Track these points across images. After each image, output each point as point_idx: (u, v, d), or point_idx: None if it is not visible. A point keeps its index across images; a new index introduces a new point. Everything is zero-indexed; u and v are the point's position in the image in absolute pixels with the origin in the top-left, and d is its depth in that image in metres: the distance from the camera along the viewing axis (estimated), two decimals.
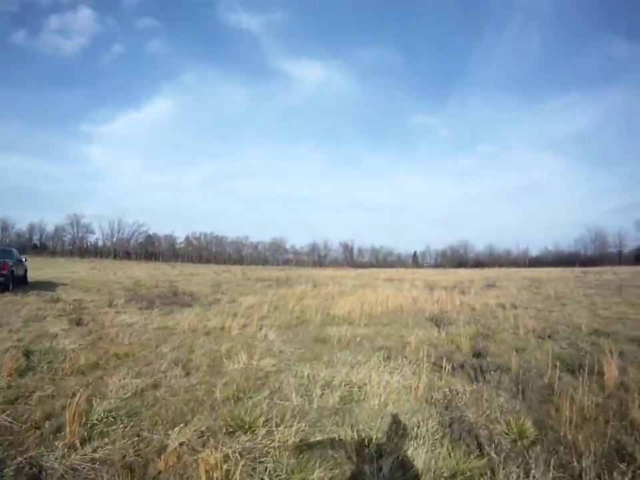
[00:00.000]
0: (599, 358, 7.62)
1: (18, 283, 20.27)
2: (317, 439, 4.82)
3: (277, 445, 4.54)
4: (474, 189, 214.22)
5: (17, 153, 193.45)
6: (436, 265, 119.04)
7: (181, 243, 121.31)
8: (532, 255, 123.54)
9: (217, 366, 7.57)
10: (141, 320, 11.50)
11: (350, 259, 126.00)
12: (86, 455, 4.16)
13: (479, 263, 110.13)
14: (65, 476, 3.86)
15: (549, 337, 10.46)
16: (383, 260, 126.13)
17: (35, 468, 3.93)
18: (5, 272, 17.98)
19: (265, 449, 4.49)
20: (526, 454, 4.43)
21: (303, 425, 5.02)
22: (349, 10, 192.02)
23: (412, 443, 4.69)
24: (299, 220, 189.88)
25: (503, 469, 4.12)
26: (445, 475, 4.14)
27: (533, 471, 3.99)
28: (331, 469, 4.18)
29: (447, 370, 7.26)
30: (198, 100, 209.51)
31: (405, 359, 8.10)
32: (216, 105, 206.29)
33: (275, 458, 4.34)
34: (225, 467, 3.95)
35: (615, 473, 3.95)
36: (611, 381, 6.58)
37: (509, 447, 4.67)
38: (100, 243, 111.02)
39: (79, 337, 9.32)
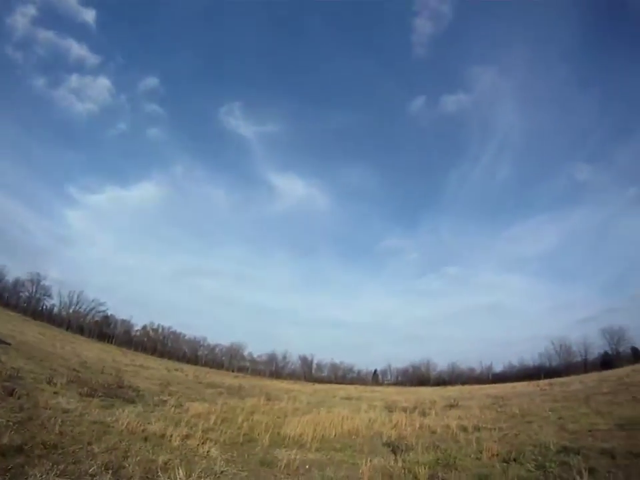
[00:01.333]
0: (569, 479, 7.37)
1: None
2: None
3: None
4: (438, 309, 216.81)
5: None
6: (396, 383, 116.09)
7: (137, 330, 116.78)
8: (495, 370, 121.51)
9: (150, 479, 6.64)
10: (78, 408, 10.31)
11: (308, 373, 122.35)
12: None
13: (441, 381, 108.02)
14: None
15: (515, 460, 9.77)
16: (342, 376, 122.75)
17: None
18: None
19: None
20: None
21: None
22: (336, 132, 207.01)
23: None
24: (261, 328, 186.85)
25: None
26: None
27: None
28: None
29: None
30: (182, 193, 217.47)
31: None
32: (199, 201, 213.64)
33: None
34: None
35: None
36: None
37: None
38: (55, 310, 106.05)
39: (8, 411, 8.33)
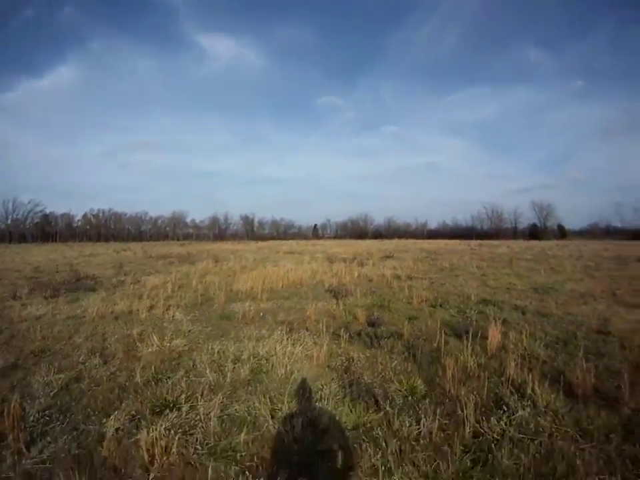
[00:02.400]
0: (484, 324, 8.72)
1: None
2: (235, 408, 5.36)
3: (201, 418, 5.03)
4: (377, 167, 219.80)
5: None
6: (336, 237, 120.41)
7: (78, 221, 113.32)
8: (430, 227, 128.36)
9: (132, 350, 7.73)
10: (48, 311, 11.03)
11: (251, 232, 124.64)
12: (35, 458, 4.34)
13: (378, 235, 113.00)
14: None
15: (441, 305, 11.42)
16: (283, 232, 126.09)
17: None
18: None
19: (192, 422, 4.98)
20: (417, 407, 5.28)
21: (221, 397, 5.53)
22: None
23: (317, 403, 5.39)
24: (201, 194, 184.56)
25: (398, 419, 4.93)
26: (348, 427, 4.88)
27: (423, 419, 4.83)
28: (252, 432, 4.76)
29: (345, 339, 8.03)
30: (105, 70, 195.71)
31: (306, 331, 8.76)
32: (123, 75, 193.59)
33: (202, 429, 4.84)
34: (162, 443, 4.40)
35: (492, 418, 4.88)
36: (493, 344, 7.52)
37: (401, 401, 5.52)
38: None
39: None
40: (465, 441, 4.51)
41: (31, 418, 5.13)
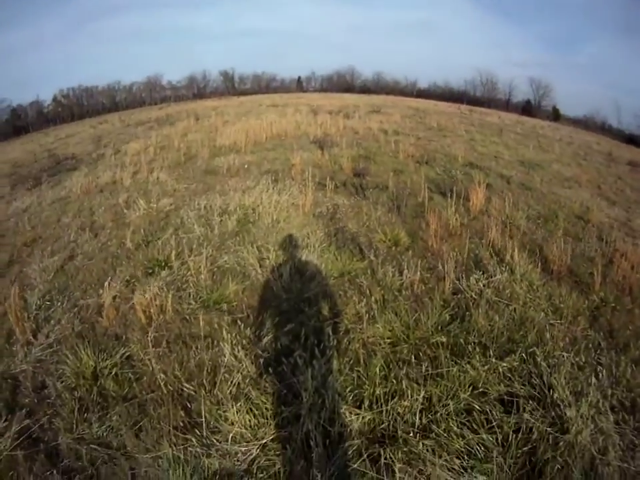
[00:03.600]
0: (469, 186, 8.24)
1: None
2: (224, 259, 5.30)
3: (192, 273, 5.00)
4: (367, 19, 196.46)
5: None
6: (321, 90, 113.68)
7: (49, 106, 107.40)
8: (420, 87, 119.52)
9: (120, 218, 7.64)
10: (33, 200, 10.69)
11: (231, 88, 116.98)
12: (43, 344, 4.38)
13: (365, 90, 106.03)
14: (36, 371, 4.09)
15: (426, 163, 10.94)
16: (265, 87, 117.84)
17: (9, 380, 4.08)
18: None
19: (184, 278, 4.98)
20: (400, 258, 5.18)
21: (210, 250, 5.47)
22: None
23: (304, 251, 5.32)
24: (176, 53, 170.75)
25: (381, 268, 4.85)
26: (333, 275, 4.86)
27: (405, 271, 4.73)
28: (242, 282, 4.73)
29: (330, 188, 7.76)
30: None
31: (292, 180, 8.52)
32: None
33: (194, 283, 4.82)
34: (156, 302, 4.38)
35: (471, 278, 4.78)
36: (476, 206, 7.32)
37: (385, 252, 5.45)
38: None
39: None
40: (444, 296, 4.54)
41: (34, 307, 5.13)
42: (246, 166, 10.22)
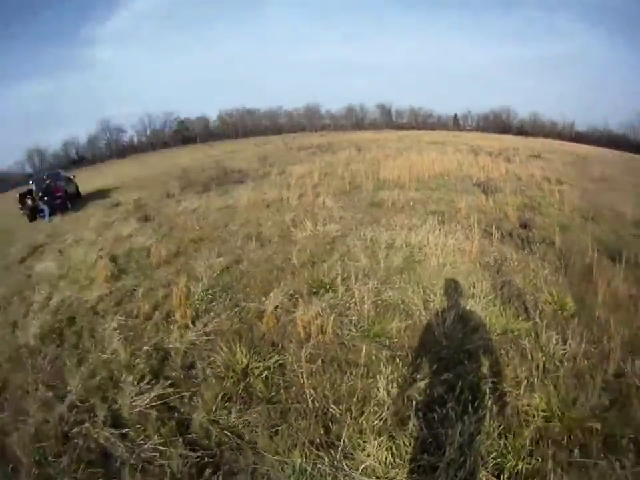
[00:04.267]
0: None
1: (73, 200, 20.69)
2: (389, 294, 5.43)
3: (356, 301, 5.18)
4: (514, 52, 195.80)
5: (27, 80, 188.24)
6: (477, 129, 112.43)
7: (214, 122, 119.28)
8: (578, 129, 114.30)
9: (287, 235, 8.25)
10: (202, 204, 12.06)
11: (389, 121, 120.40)
12: (199, 331, 4.97)
13: (522, 131, 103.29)
14: (187, 351, 4.67)
15: (592, 219, 10.16)
16: (422, 122, 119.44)
17: (161, 351, 4.76)
18: (60, 194, 18.54)
19: (347, 305, 5.18)
20: (565, 324, 4.88)
21: (375, 282, 5.61)
22: None
23: (469, 300, 5.25)
24: (332, 84, 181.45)
25: (545, 333, 4.62)
26: (497, 331, 4.71)
27: (569, 340, 4.46)
28: (405, 320, 4.81)
29: (496, 237, 7.60)
30: None
31: (457, 224, 8.46)
32: None
33: (357, 312, 5.00)
34: (317, 322, 4.63)
35: (637, 362, 4.30)
36: None
37: (551, 315, 5.14)
38: (135, 139, 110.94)
39: (153, 232, 9.97)
40: (606, 377, 4.07)
41: (196, 297, 5.81)
42: (411, 203, 10.38)
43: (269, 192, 12.34)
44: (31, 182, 20.08)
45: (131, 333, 5.28)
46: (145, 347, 4.83)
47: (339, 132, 77.55)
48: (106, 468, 3.35)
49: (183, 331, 5.00)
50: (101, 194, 22.12)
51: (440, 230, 7.85)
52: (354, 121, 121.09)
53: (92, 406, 4.02)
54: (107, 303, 6.47)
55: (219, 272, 6.64)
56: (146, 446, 3.43)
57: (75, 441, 3.65)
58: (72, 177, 23.34)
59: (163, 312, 5.65)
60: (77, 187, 23.08)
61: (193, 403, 3.84)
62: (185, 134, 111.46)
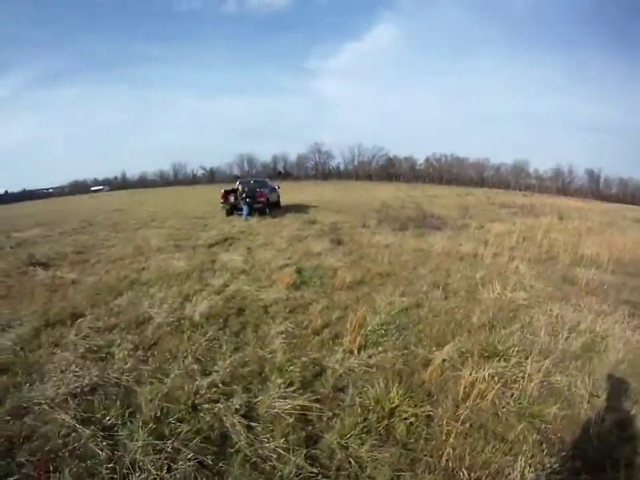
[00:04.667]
0: None
1: (272, 207, 22.80)
2: (557, 378, 5.03)
3: (525, 375, 4.88)
4: None
5: (249, 96, 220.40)
6: None
7: (420, 164, 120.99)
8: None
9: (472, 292, 8.05)
10: (395, 241, 12.37)
11: (595, 189, 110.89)
12: (362, 360, 5.11)
13: None
14: (343, 375, 4.84)
15: None
16: (631, 195, 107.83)
17: (317, 367, 5.01)
18: (262, 199, 20.62)
19: (514, 377, 4.90)
20: None
21: (548, 362, 5.23)
22: None
23: (635, 407, 4.61)
24: (543, 138, 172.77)
25: None
26: None
27: None
28: (565, 408, 4.41)
29: None
30: (419, 19, 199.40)
31: None
32: (436, 23, 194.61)
33: (521, 386, 4.71)
34: (480, 386, 4.47)
35: None
36: None
37: None
38: (341, 167, 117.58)
39: (342, 256, 10.50)
40: None
41: (369, 328, 5.96)
42: (605, 286, 9.38)
43: (464, 244, 12.19)
44: (238, 182, 22.51)
45: (295, 341, 5.67)
46: (303, 358, 5.12)
47: (543, 194, 73.53)
48: (219, 448, 3.63)
49: (346, 355, 5.22)
50: (300, 209, 23.80)
51: (628, 323, 7.04)
52: (559, 184, 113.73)
53: (232, 391, 4.39)
54: (280, 307, 7.00)
55: (397, 310, 6.75)
56: (268, 444, 3.64)
57: (202, 414, 4.03)
58: (277, 187, 25.63)
59: (332, 332, 5.94)
60: (278, 197, 25.26)
61: (330, 423, 3.98)
62: (390, 170, 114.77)
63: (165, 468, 3.37)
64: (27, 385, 4.58)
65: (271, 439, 3.71)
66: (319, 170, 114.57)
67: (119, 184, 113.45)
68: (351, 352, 5.32)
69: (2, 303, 7.65)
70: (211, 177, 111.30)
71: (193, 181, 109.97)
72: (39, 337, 5.90)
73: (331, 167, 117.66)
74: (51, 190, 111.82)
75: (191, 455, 3.50)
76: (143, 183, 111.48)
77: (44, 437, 3.74)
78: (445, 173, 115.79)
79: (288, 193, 30.26)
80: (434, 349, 5.45)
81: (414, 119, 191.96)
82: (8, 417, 3.98)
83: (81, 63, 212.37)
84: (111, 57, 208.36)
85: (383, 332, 5.92)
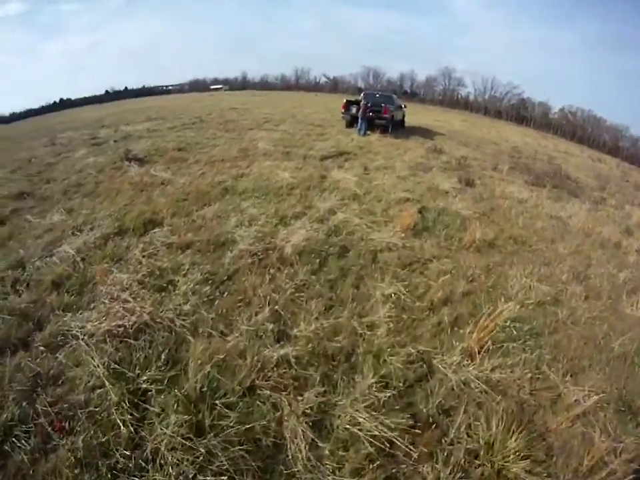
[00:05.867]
0: None
1: (396, 126, 20.41)
2: None
3: None
4: None
5: (377, 8, 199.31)
6: None
7: (555, 113, 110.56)
8: None
9: (615, 300, 5.92)
10: (531, 199, 10.22)
11: None
12: (482, 372, 3.70)
13: None
14: (455, 389, 3.51)
15: None
16: None
17: (424, 366, 3.70)
18: (386, 115, 18.17)
19: None
20: None
21: None
22: None
23: None
24: None
25: None
26: None
27: None
28: None
29: None
30: None
31: None
32: None
33: None
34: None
35: None
36: None
37: None
38: (471, 97, 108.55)
39: (471, 202, 8.74)
40: None
41: (499, 322, 4.30)
42: None
43: (603, 226, 9.86)
44: (362, 94, 20.23)
45: (404, 316, 4.37)
46: (410, 348, 3.85)
47: None
48: (266, 462, 2.72)
49: (464, 360, 3.80)
50: (425, 134, 21.47)
51: None
52: None
53: (305, 378, 3.36)
54: (394, 256, 5.69)
55: (534, 303, 5.10)
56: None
57: (258, 404, 3.12)
58: (403, 105, 23.14)
59: (452, 314, 4.53)
60: (404, 116, 22.93)
61: (419, 469, 2.78)
62: (522, 112, 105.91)
63: (191, 475, 2.54)
64: (73, 308, 4.06)
65: (337, 472, 2.63)
66: (447, 96, 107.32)
67: (239, 84, 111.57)
68: (471, 356, 3.86)
69: (85, 201, 7.28)
70: (334, 86, 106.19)
71: (315, 88, 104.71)
72: (105, 246, 5.34)
73: (460, 95, 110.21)
74: (170, 87, 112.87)
75: (227, 464, 2.57)
76: (263, 85, 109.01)
77: (70, 383, 3.25)
78: (578, 128, 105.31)
79: (413, 114, 27.75)
80: (567, 378, 3.88)
81: (556, 62, 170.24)
82: (42, 347, 3.58)
83: None
84: None
85: (514, 333, 4.35)
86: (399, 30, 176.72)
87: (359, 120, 18.01)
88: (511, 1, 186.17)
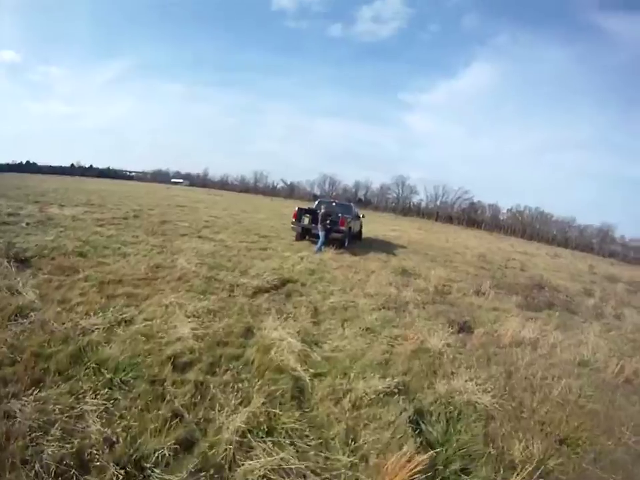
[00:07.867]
0: None
1: (353, 239, 17.98)
2: None
3: None
4: None
5: (341, 119, 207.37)
6: None
7: (504, 214, 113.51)
8: None
9: None
10: (541, 336, 7.54)
11: None
12: None
13: None
14: None
15: None
16: None
17: None
18: (342, 227, 15.45)
19: None
20: None
21: None
22: None
23: None
24: (633, 206, 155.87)
25: None
26: None
27: None
28: None
29: None
30: (514, 62, 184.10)
31: None
32: (533, 66, 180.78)
33: None
34: None
35: None
36: None
37: None
38: (423, 204, 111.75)
39: (481, 370, 5.69)
40: None
41: None
42: None
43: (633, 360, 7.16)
44: (316, 202, 18.06)
45: None
46: None
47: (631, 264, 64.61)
48: None
49: None
50: (385, 247, 19.16)
51: None
52: None
53: None
54: None
55: None
56: None
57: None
58: (362, 215, 20.74)
59: None
60: (361, 227, 20.42)
61: None
62: (472, 216, 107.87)
63: None
64: None
65: None
66: (399, 203, 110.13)
67: (200, 181, 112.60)
68: None
69: None
70: (291, 191, 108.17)
71: (272, 192, 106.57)
72: None
73: (412, 203, 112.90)
74: (133, 174, 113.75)
75: None
76: (223, 184, 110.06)
77: None
78: (527, 226, 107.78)
79: (369, 223, 25.60)
80: None
81: (501, 166, 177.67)
82: None
83: (188, 60, 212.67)
84: (216, 59, 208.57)
85: None
86: (364, 141, 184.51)
87: (313, 232, 15.50)
88: (467, 119, 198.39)
